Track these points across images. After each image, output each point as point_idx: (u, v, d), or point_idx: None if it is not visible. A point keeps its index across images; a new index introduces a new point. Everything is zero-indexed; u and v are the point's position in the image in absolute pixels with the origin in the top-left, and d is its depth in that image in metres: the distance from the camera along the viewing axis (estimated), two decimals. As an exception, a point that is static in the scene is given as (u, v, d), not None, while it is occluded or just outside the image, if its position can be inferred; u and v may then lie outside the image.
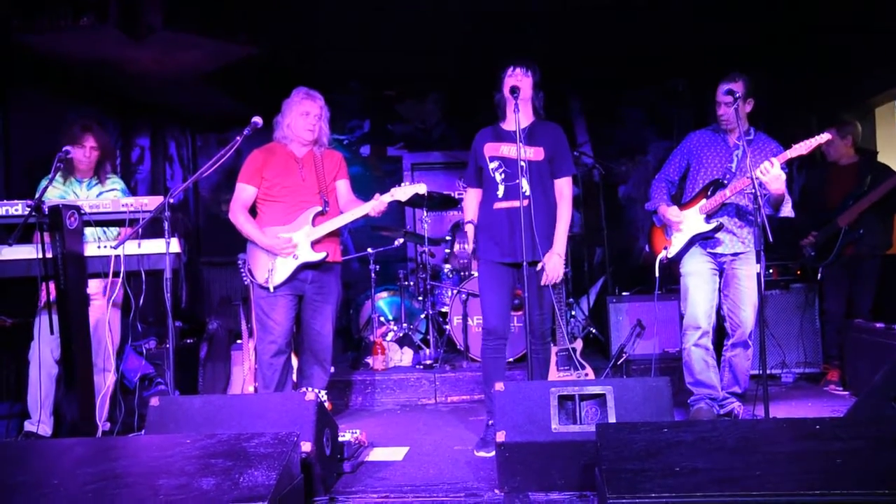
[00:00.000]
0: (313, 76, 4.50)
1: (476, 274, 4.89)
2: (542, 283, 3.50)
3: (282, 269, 3.87)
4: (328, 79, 5.14)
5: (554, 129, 3.67)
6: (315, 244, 3.90)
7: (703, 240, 3.79)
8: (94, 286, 3.66)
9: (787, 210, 3.65)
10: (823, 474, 1.93)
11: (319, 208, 3.93)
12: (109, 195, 3.97)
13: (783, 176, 3.41)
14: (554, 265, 3.49)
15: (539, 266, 3.48)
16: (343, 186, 4.12)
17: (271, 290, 3.87)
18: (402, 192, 3.93)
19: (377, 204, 3.88)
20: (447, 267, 5.82)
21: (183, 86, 5.87)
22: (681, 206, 3.88)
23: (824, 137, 3.38)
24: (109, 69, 5.29)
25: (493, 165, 3.62)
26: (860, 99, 5.77)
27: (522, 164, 3.44)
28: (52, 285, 3.23)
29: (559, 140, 3.65)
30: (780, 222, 3.64)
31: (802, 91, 6.05)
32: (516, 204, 3.45)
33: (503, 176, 3.59)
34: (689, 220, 3.81)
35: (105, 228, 3.87)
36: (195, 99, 6.36)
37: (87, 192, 4.00)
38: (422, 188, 3.98)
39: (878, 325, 4.30)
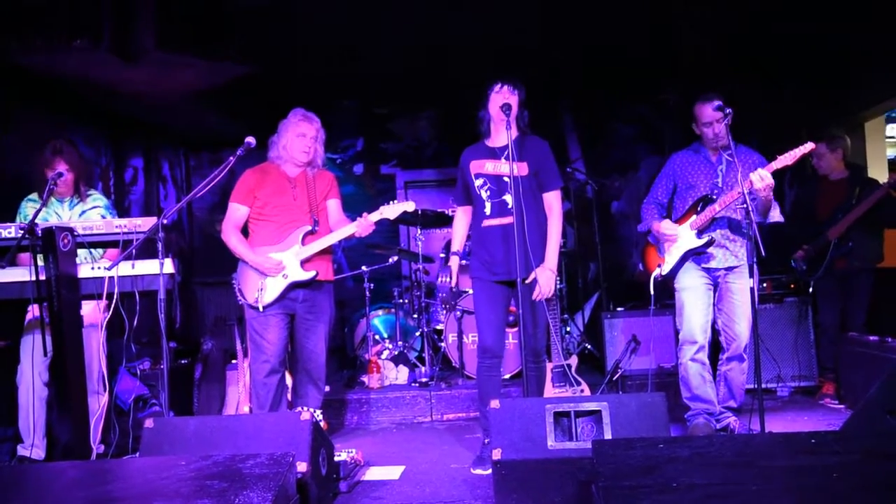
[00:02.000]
0: (306, 95, 4.51)
1: (470, 291, 4.89)
2: (534, 298, 3.48)
3: (272, 289, 3.87)
4: (321, 97, 5.15)
5: (538, 143, 3.64)
6: (305, 263, 3.90)
7: (696, 255, 3.80)
8: (84, 307, 3.65)
9: (775, 215, 3.67)
10: (820, 489, 1.93)
11: (309, 227, 3.94)
12: (92, 213, 3.96)
13: (773, 183, 3.44)
14: (546, 280, 3.47)
15: (530, 279, 3.46)
16: (334, 206, 4.12)
17: (261, 309, 3.86)
18: (392, 211, 3.95)
19: (363, 222, 3.87)
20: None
21: (176, 105, 5.88)
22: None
23: (808, 147, 3.38)
24: (103, 90, 5.31)
25: (478, 183, 3.62)
26: (850, 113, 5.82)
27: (506, 179, 3.44)
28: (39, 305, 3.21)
29: (543, 153, 3.61)
30: (772, 236, 3.65)
31: (793, 105, 6.10)
32: (507, 221, 3.46)
33: (488, 193, 3.59)
34: (681, 236, 3.83)
35: (91, 249, 3.86)
36: (188, 118, 6.37)
37: (70, 211, 3.97)
38: (410, 206, 3.98)
39: (871, 338, 4.32)
